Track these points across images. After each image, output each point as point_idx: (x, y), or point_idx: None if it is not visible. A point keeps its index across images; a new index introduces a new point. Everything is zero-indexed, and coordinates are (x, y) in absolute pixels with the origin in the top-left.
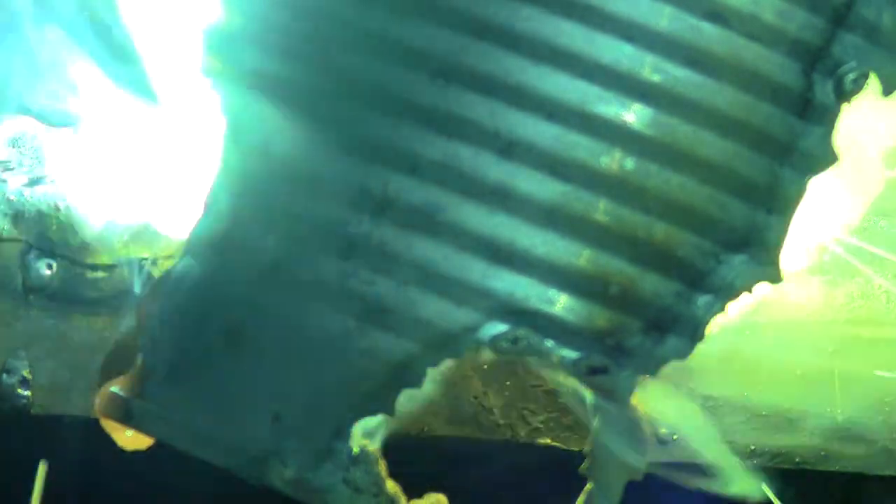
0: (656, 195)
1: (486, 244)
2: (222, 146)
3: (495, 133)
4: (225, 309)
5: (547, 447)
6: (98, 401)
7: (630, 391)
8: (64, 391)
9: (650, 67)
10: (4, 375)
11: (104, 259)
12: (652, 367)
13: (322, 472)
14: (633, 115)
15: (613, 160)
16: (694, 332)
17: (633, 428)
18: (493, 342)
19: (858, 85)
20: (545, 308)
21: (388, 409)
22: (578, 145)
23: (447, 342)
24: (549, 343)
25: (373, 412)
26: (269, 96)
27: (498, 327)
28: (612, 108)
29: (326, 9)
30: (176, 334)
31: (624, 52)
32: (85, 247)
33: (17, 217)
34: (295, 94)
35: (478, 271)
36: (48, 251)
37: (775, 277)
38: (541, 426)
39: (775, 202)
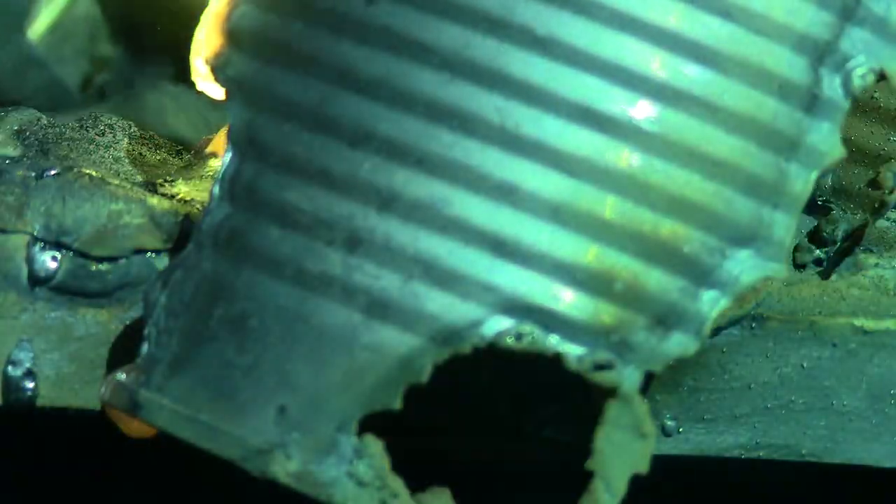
0: (662, 191)
1: (492, 239)
2: (229, 138)
3: (501, 128)
4: (230, 300)
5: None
6: (103, 390)
7: (635, 386)
8: (69, 383)
9: (657, 63)
10: (10, 367)
11: (110, 251)
12: (657, 362)
13: (326, 465)
14: (640, 111)
15: (620, 156)
16: (699, 328)
17: (637, 422)
18: (498, 337)
19: (866, 80)
20: (550, 303)
21: (393, 403)
22: (585, 141)
23: (452, 336)
24: (554, 338)
25: (377, 406)
26: (275, 92)
27: (502, 322)
28: (619, 104)
29: (332, 3)
30: (181, 325)
31: (631, 47)
32: (90, 238)
33: (23, 209)
34: (300, 89)
35: (483, 266)
36: (53, 243)
37: (781, 272)
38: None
39: (782, 197)
